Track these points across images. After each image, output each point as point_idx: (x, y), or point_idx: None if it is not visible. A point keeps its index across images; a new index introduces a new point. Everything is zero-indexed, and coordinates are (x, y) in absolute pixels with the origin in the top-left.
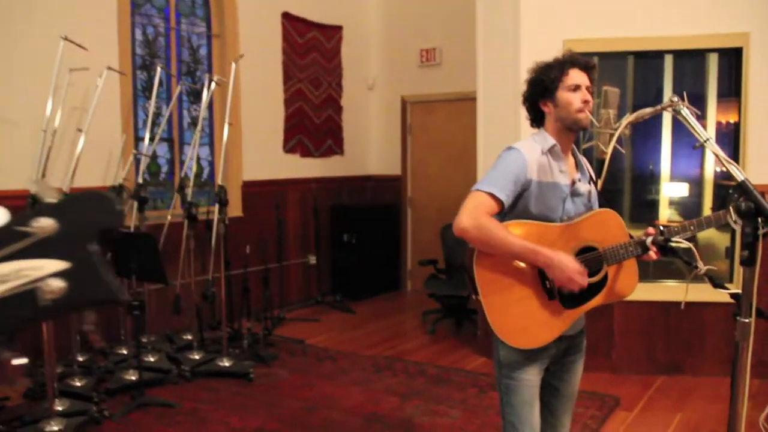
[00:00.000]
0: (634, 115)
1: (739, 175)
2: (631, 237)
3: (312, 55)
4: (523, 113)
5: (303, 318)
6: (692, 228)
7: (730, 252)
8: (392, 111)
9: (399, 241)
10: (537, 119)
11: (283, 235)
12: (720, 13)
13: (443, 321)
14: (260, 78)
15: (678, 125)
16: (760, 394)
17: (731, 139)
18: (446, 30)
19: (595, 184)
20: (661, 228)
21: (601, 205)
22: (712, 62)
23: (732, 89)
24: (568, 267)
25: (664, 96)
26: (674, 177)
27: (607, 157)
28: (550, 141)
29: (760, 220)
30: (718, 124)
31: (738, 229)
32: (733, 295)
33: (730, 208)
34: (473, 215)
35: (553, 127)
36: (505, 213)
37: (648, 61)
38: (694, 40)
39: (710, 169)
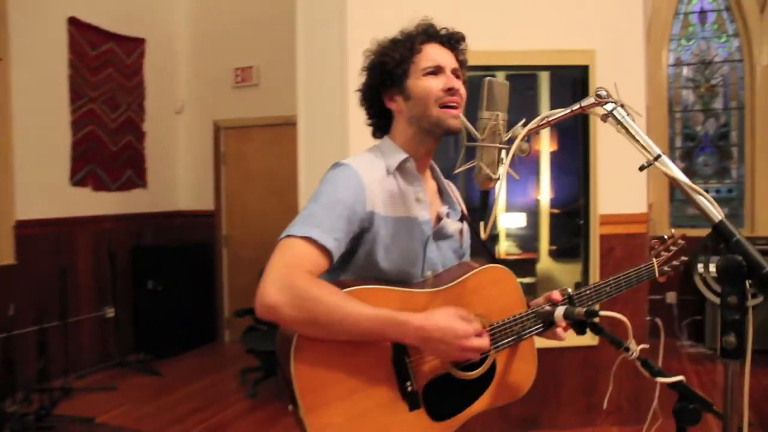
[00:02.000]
0: (538, 119)
1: (715, 214)
2: (528, 306)
3: (107, 71)
4: (353, 139)
5: (96, 387)
6: (608, 289)
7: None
8: (203, 137)
9: (213, 286)
10: (381, 124)
11: (68, 286)
12: (565, 30)
13: (266, 381)
14: (39, 95)
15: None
16: None
17: (575, 167)
18: (264, 47)
19: (469, 222)
20: (569, 292)
21: (476, 256)
22: (544, 82)
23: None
24: (455, 331)
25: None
26: (509, 207)
27: (502, 184)
28: (400, 154)
29: (748, 284)
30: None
31: (712, 297)
32: (677, 387)
33: (698, 264)
34: (284, 281)
35: (404, 133)
36: (334, 270)
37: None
38: (539, 55)
39: (546, 197)
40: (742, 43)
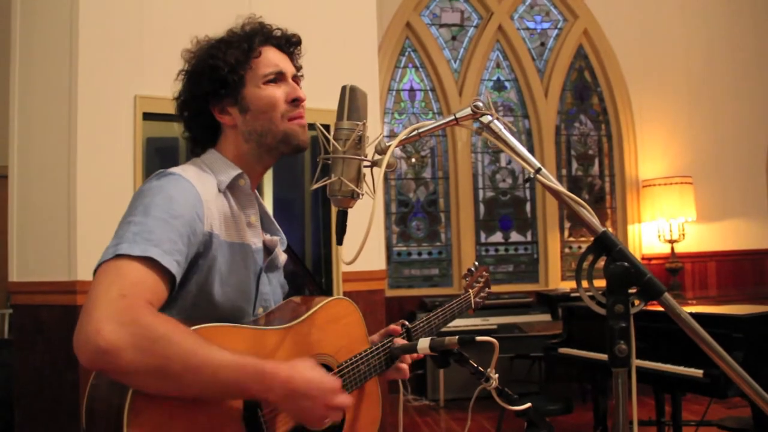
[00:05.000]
0: (408, 130)
1: (597, 225)
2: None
3: None
4: (83, 191)
5: None
6: (437, 321)
7: None
8: None
9: None
10: (204, 138)
11: None
12: (306, 88)
13: None
14: None
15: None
16: None
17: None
18: None
19: (293, 251)
20: (408, 325)
21: (302, 287)
22: None
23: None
24: (323, 384)
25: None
26: None
27: (374, 205)
28: (232, 169)
29: (631, 292)
30: None
31: (599, 309)
32: (526, 414)
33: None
34: (124, 316)
35: (238, 149)
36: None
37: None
38: None
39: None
40: None
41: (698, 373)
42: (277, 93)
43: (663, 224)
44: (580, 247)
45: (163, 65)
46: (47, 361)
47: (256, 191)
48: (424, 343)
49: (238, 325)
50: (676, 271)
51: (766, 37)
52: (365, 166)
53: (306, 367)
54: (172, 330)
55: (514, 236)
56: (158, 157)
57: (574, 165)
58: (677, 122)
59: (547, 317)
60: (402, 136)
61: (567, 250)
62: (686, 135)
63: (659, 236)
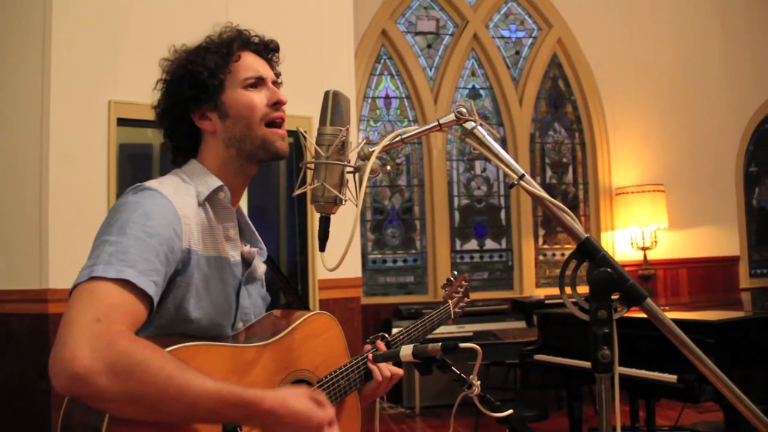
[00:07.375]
0: (391, 136)
1: (581, 231)
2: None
3: None
4: (55, 201)
5: None
6: (416, 333)
7: None
8: None
9: None
10: (185, 147)
11: None
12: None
13: None
14: None
15: None
16: None
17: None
18: None
19: (273, 261)
20: (387, 338)
21: (277, 298)
22: None
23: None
24: (310, 419)
25: None
26: None
27: (357, 211)
28: (212, 180)
29: (614, 296)
30: None
31: (582, 316)
32: (508, 421)
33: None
34: (99, 341)
35: (219, 157)
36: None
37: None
38: None
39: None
40: None
41: (672, 378)
42: (257, 98)
43: (636, 232)
44: (554, 255)
45: (138, 70)
46: (17, 370)
47: (239, 205)
48: (407, 350)
49: (217, 343)
50: (649, 278)
51: (736, 46)
52: (348, 172)
53: (294, 398)
54: (150, 356)
55: (489, 244)
56: (131, 164)
57: (548, 173)
58: (650, 131)
59: (522, 324)
60: (386, 141)
61: (541, 258)
62: (658, 143)
63: (632, 243)
